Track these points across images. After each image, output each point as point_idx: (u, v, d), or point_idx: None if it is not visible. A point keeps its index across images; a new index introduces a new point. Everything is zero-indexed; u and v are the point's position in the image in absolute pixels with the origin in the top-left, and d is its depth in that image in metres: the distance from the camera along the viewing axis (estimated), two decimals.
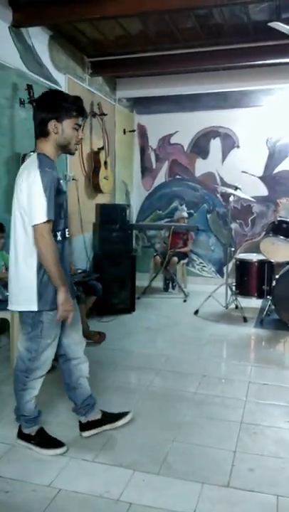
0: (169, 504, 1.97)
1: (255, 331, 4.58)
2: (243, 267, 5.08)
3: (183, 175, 6.86)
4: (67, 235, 2.32)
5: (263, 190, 6.45)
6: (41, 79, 4.50)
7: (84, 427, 2.52)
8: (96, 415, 2.53)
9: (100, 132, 5.66)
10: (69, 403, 2.55)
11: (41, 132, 2.24)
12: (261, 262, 4.93)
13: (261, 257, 4.90)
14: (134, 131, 6.89)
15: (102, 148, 5.64)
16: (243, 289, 5.07)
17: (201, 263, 6.85)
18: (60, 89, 4.75)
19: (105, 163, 5.66)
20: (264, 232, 5.32)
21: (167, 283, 6.26)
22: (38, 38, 4.46)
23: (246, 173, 6.07)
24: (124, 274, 5.09)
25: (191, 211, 6.77)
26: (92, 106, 5.57)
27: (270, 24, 3.79)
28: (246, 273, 5.04)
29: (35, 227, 2.10)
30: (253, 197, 5.58)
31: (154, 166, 7.00)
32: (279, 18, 4.17)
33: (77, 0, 3.83)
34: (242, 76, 5.66)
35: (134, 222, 6.80)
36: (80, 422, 2.53)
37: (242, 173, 6.14)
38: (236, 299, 5.09)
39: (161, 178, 6.97)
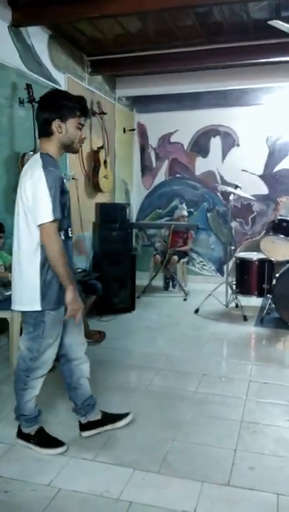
0: (169, 503, 1.97)
1: (255, 329, 4.58)
2: (243, 265, 5.08)
3: (183, 173, 6.86)
4: (70, 235, 2.31)
5: (263, 189, 6.45)
6: (41, 78, 4.50)
7: (84, 427, 2.52)
8: (96, 416, 2.52)
9: (99, 131, 5.66)
10: (69, 403, 2.55)
11: (45, 132, 2.23)
12: (261, 261, 4.93)
13: (261, 256, 4.90)
14: (134, 130, 6.89)
15: (102, 147, 5.64)
16: (243, 287, 5.06)
17: (201, 262, 6.85)
18: (59, 88, 4.75)
19: (105, 162, 5.66)
20: (264, 231, 5.33)
21: (167, 282, 6.26)
22: (38, 37, 4.45)
23: (246, 171, 6.07)
24: (124, 273, 5.09)
25: (191, 210, 6.76)
26: (92, 105, 5.56)
27: (269, 22, 3.79)
28: (246, 272, 5.03)
29: (41, 226, 2.09)
30: (253, 195, 5.58)
31: (154, 165, 7.00)
32: (279, 16, 4.17)
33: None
34: (242, 74, 5.66)
35: (134, 221, 6.80)
36: (79, 422, 2.53)
37: (242, 171, 6.14)
38: (236, 297, 5.09)
39: (161, 176, 6.97)
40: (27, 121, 4.11)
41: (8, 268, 3.50)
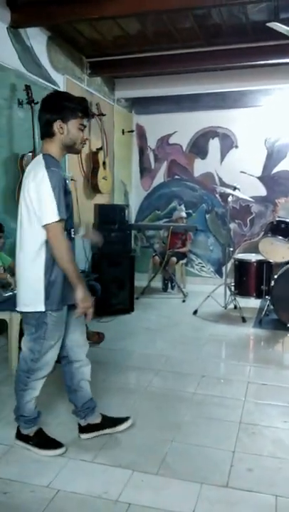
0: (168, 504, 1.97)
1: (253, 331, 4.58)
2: (241, 267, 5.08)
3: (182, 175, 6.86)
4: (72, 235, 2.32)
5: (261, 191, 6.46)
6: (40, 79, 4.50)
7: (83, 429, 2.51)
8: (96, 419, 2.52)
9: (98, 132, 5.66)
10: (69, 404, 2.55)
11: (46, 133, 2.24)
12: (260, 262, 4.94)
13: (260, 257, 4.90)
14: (132, 131, 6.90)
15: (101, 148, 5.65)
16: (241, 289, 5.07)
17: (199, 263, 6.85)
18: (58, 89, 4.75)
19: (104, 163, 5.67)
20: (263, 232, 5.32)
21: (166, 283, 6.26)
22: (37, 38, 4.46)
23: (245, 173, 6.07)
24: (123, 275, 5.09)
25: (190, 211, 6.77)
26: (91, 106, 5.56)
27: (268, 24, 3.79)
28: (245, 273, 5.04)
29: (47, 226, 2.09)
30: (251, 197, 5.59)
31: (152, 166, 7.00)
32: (277, 18, 4.18)
33: (76, 0, 3.84)
34: (240, 76, 5.67)
35: (132, 222, 6.79)
36: (79, 424, 2.52)
37: (240, 173, 6.13)
38: (235, 299, 5.09)
39: (159, 178, 6.98)
40: (26, 123, 4.12)
41: (8, 269, 3.50)
